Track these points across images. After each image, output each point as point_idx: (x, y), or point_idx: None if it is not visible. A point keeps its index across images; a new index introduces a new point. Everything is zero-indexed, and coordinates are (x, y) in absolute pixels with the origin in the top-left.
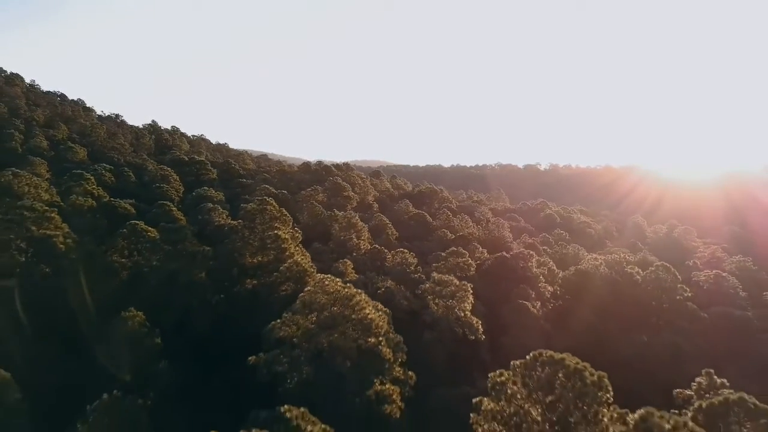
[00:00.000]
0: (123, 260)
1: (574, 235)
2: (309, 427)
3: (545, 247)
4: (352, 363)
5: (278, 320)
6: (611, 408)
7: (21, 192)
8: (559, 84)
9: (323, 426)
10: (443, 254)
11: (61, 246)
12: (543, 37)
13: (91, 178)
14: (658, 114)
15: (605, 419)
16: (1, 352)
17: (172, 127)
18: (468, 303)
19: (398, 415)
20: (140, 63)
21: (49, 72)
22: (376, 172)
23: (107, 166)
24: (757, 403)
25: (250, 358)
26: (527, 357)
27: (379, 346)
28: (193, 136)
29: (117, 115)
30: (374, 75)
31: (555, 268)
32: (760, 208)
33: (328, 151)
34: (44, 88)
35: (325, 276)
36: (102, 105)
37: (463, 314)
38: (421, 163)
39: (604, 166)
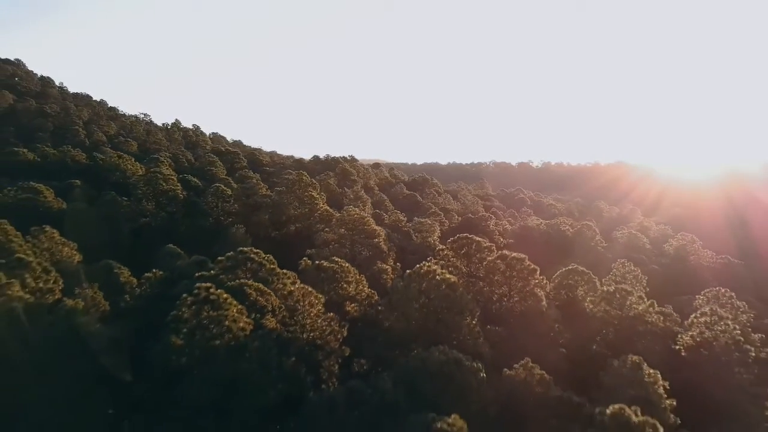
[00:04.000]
0: (213, 209)
1: (541, 214)
2: (347, 265)
3: (510, 219)
4: (365, 254)
5: (321, 232)
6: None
7: (125, 168)
8: (554, 82)
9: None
10: (425, 216)
11: (180, 196)
12: (539, 38)
13: (165, 161)
14: (655, 111)
15: (489, 259)
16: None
17: (193, 125)
18: (436, 235)
19: (390, 283)
20: (136, 60)
21: (44, 68)
22: (376, 164)
23: (167, 153)
24: (591, 273)
25: (308, 251)
26: (455, 237)
27: (380, 244)
28: (212, 133)
29: (145, 114)
30: (372, 74)
31: (509, 228)
32: (760, 206)
33: (327, 149)
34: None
35: (349, 207)
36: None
37: (432, 241)
38: (419, 161)
39: (593, 164)
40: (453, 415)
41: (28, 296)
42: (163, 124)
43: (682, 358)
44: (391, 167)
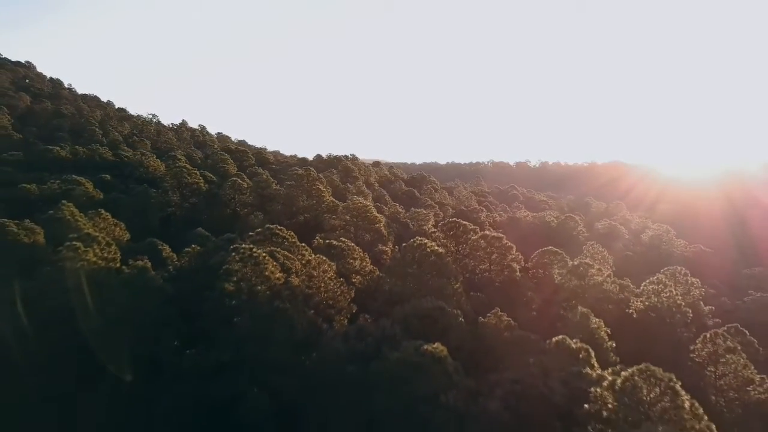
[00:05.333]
0: (230, 200)
1: (532, 210)
2: (353, 245)
3: (501, 212)
4: (367, 238)
5: (328, 220)
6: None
7: (147, 164)
8: (552, 83)
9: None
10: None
11: (204, 187)
12: (536, 39)
13: (182, 158)
14: (653, 110)
15: (473, 238)
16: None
17: (199, 125)
18: (430, 223)
19: (389, 261)
20: (132, 59)
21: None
22: (376, 162)
23: (181, 152)
24: (564, 253)
25: (317, 235)
26: (445, 221)
27: (381, 229)
28: (217, 133)
29: (154, 115)
30: (371, 75)
31: (499, 219)
32: (759, 206)
33: (327, 150)
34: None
35: (354, 197)
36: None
37: (427, 229)
38: (418, 161)
39: (589, 163)
40: (437, 343)
41: (100, 262)
42: (171, 125)
43: (633, 320)
44: (391, 166)
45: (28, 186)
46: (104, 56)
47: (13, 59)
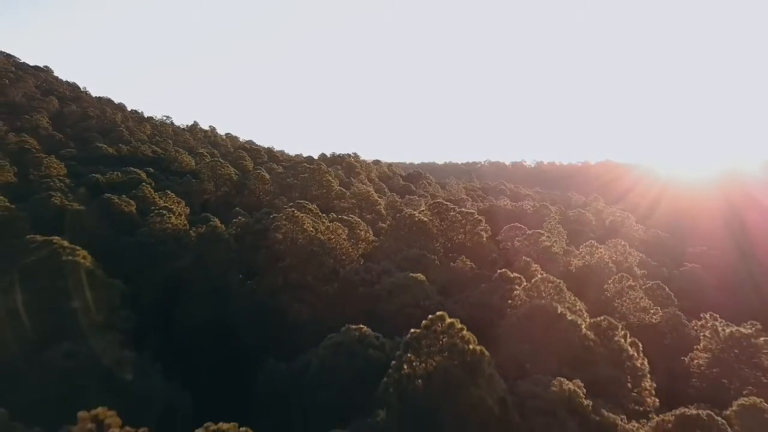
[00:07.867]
0: (255, 189)
1: (516, 201)
2: (359, 220)
3: (486, 202)
4: (369, 218)
5: (339, 203)
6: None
7: (180, 160)
8: (548, 82)
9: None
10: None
11: (234, 177)
12: (535, 40)
13: (207, 155)
14: (651, 109)
15: (451, 214)
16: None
17: (209, 126)
18: (422, 208)
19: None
20: (129, 57)
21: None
22: (376, 161)
23: (205, 150)
24: (527, 228)
25: (331, 214)
26: (431, 203)
27: (381, 210)
28: (226, 134)
29: (167, 117)
30: (369, 75)
31: (482, 207)
32: (758, 207)
33: (325, 149)
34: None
35: (357, 184)
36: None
37: (418, 213)
38: (416, 161)
39: (583, 163)
40: (419, 273)
41: (179, 225)
42: (185, 126)
43: (573, 274)
44: (390, 165)
45: (97, 176)
46: (101, 55)
47: (33, 64)
